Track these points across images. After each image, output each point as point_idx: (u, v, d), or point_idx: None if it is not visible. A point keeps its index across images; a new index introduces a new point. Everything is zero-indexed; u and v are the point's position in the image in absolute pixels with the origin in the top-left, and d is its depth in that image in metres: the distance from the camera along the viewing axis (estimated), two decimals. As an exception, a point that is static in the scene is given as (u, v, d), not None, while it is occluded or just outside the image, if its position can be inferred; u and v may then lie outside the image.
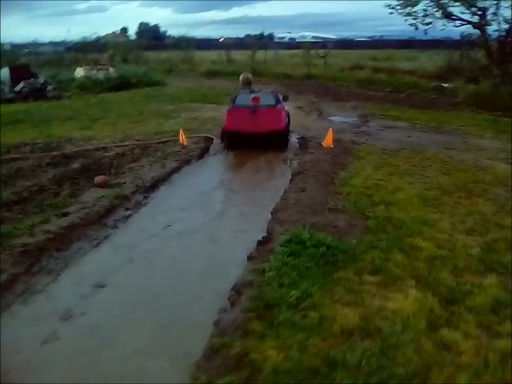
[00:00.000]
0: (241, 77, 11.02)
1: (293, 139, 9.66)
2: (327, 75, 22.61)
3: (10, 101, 15.86)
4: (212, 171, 7.81)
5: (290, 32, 57.35)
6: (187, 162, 7.93)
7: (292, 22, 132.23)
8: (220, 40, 48.55)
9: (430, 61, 23.18)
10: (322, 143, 8.73)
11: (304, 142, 9.31)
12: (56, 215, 5.16)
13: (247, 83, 10.50)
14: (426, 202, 5.69)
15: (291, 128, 9.55)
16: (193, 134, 9.78)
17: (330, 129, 8.86)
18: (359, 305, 3.40)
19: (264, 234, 4.83)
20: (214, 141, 9.33)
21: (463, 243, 4.51)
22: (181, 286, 3.98)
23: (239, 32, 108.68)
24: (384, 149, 8.55)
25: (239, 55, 29.22)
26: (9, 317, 3.47)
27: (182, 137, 9.04)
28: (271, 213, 5.44)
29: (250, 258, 4.28)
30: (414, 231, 4.77)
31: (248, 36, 49.46)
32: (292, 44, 40.43)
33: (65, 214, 5.19)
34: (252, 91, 9.25)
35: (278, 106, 8.87)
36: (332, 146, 8.52)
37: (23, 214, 5.28)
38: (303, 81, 21.80)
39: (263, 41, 38.11)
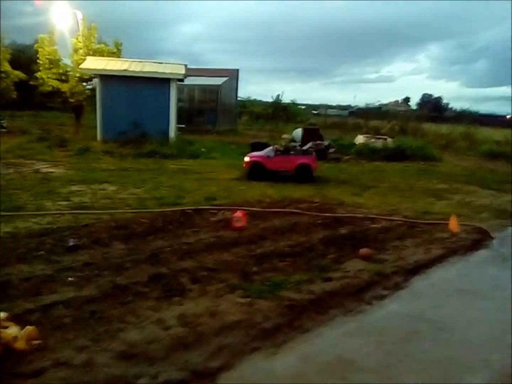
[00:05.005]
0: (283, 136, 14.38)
1: None
2: None
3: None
4: (479, 269, 7.04)
5: None
6: (454, 252, 7.41)
7: None
8: (508, 117, 44.41)
9: None
10: None
11: None
12: (321, 277, 5.62)
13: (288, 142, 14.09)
14: None
15: None
16: (464, 221, 9.11)
17: None
18: None
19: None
20: (488, 235, 8.45)
21: None
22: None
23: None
24: None
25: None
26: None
27: (453, 223, 8.54)
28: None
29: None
30: None
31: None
32: None
33: (328, 279, 5.60)
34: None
35: None
36: None
37: (293, 268, 5.97)
38: None
39: None
